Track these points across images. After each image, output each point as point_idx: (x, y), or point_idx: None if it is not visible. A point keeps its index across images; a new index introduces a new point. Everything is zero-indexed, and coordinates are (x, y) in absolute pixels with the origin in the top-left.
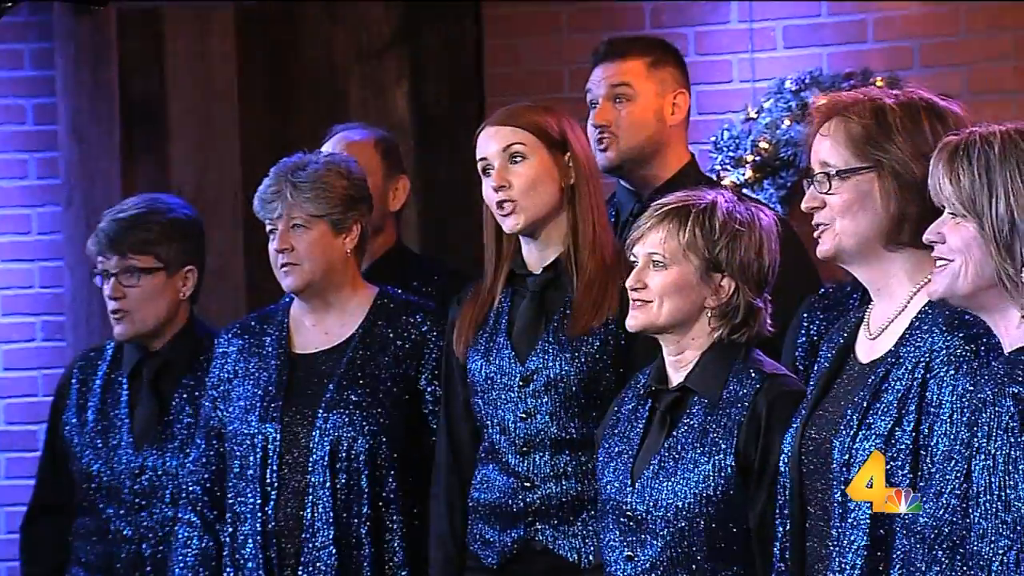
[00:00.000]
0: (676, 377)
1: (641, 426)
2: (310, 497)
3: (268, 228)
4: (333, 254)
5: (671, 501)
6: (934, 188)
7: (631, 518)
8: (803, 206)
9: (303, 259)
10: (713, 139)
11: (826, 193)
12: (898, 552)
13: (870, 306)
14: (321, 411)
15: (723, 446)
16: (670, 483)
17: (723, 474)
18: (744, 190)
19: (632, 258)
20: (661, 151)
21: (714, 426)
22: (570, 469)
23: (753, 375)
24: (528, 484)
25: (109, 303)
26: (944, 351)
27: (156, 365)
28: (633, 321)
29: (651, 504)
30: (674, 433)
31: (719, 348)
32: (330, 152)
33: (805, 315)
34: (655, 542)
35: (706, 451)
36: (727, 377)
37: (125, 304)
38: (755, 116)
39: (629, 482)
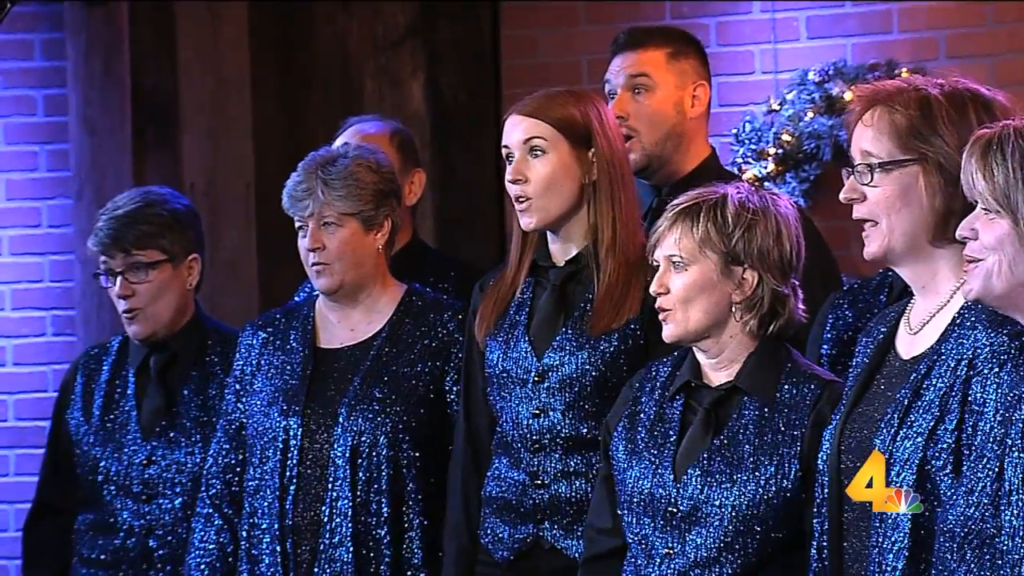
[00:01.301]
0: (718, 376)
1: (677, 420)
2: (329, 494)
3: (297, 225)
4: (365, 251)
5: (727, 500)
6: (967, 183)
7: (674, 515)
8: (842, 196)
9: (335, 258)
10: (734, 131)
11: (867, 185)
12: (936, 553)
13: (911, 301)
14: (344, 407)
15: (788, 450)
16: (725, 483)
17: (788, 478)
18: (766, 183)
19: (654, 263)
20: (682, 144)
21: (773, 428)
22: (581, 469)
23: (810, 379)
24: (538, 482)
25: (120, 303)
26: (988, 348)
27: (164, 358)
28: (667, 333)
29: (701, 501)
30: (724, 432)
31: (765, 348)
32: (358, 144)
33: (830, 311)
34: (702, 540)
35: (767, 453)
36: (779, 379)
37: (137, 302)
38: (777, 108)
39: (672, 478)
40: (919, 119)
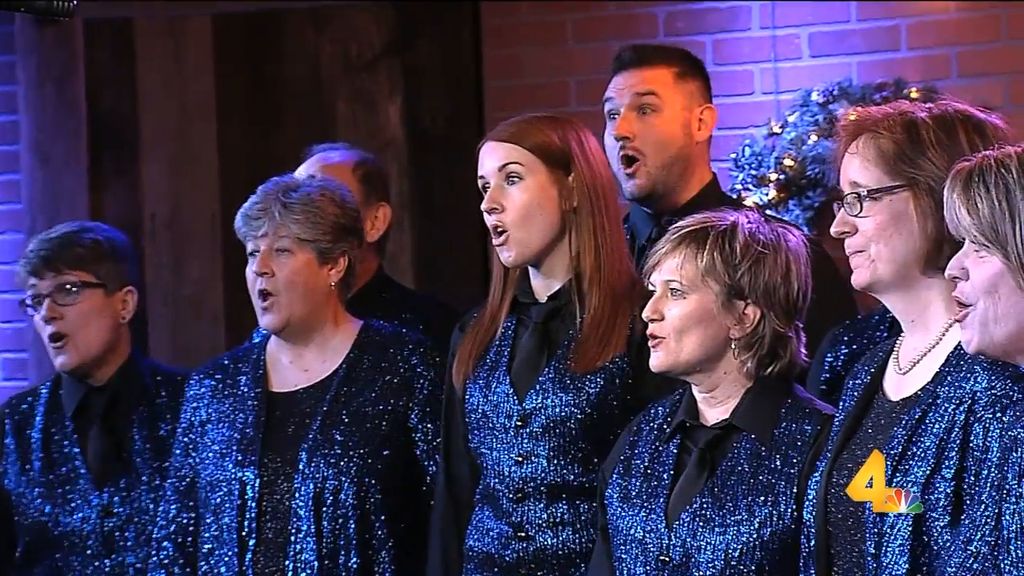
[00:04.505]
0: (714, 414)
1: (671, 463)
2: (293, 547)
3: (249, 250)
4: (316, 285)
5: (720, 546)
6: (951, 219)
7: (667, 563)
8: (833, 231)
9: (283, 288)
10: (733, 156)
11: (857, 216)
12: None
13: (899, 338)
14: (303, 453)
15: (783, 490)
16: (717, 528)
17: (783, 521)
18: (768, 211)
19: (650, 287)
20: (686, 169)
21: (768, 468)
22: (568, 518)
23: (810, 415)
24: (522, 534)
25: (45, 329)
26: (989, 391)
27: (105, 400)
28: (656, 362)
29: (694, 548)
30: (717, 474)
31: (763, 384)
32: (323, 177)
33: (829, 348)
34: None
35: (762, 494)
36: (777, 416)
37: (63, 326)
38: (779, 131)
39: (664, 524)
40: (906, 143)
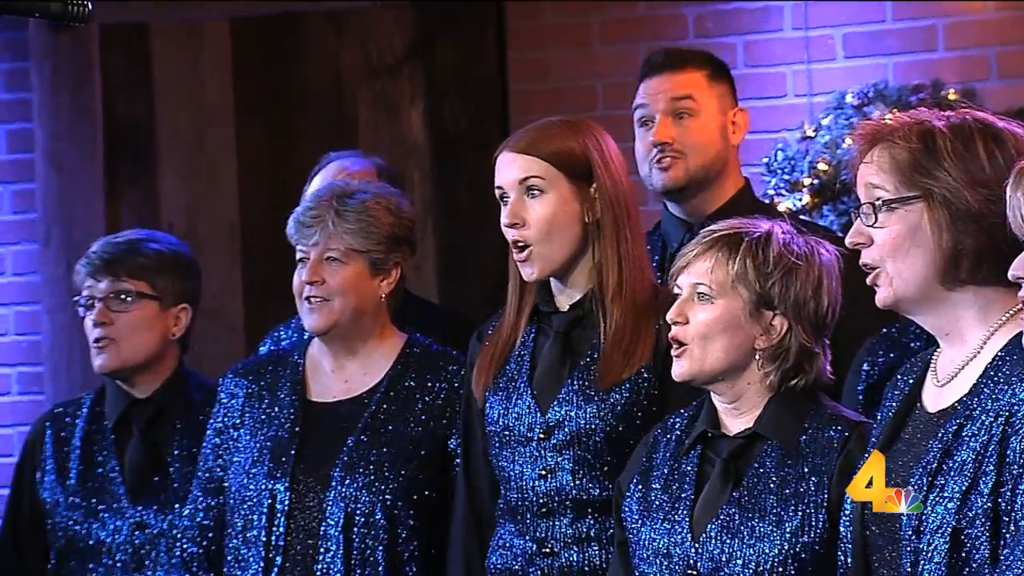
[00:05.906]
0: (736, 424)
1: (693, 474)
2: (319, 566)
3: (299, 256)
4: (366, 296)
5: (751, 558)
6: (1015, 219)
7: None
8: (847, 241)
9: (334, 295)
10: (765, 160)
11: (872, 226)
12: None
13: (937, 349)
14: (337, 472)
15: (814, 499)
16: (747, 539)
17: (814, 531)
18: (801, 217)
19: (676, 289)
20: (722, 172)
21: (797, 476)
22: (594, 534)
23: (836, 421)
24: (547, 550)
25: (93, 332)
26: None
27: (148, 413)
28: (679, 370)
29: (723, 561)
30: (743, 483)
31: (787, 393)
32: (379, 184)
33: (866, 359)
34: None
35: (791, 504)
36: (803, 423)
37: (111, 331)
38: (813, 134)
39: (690, 536)
40: (921, 152)
